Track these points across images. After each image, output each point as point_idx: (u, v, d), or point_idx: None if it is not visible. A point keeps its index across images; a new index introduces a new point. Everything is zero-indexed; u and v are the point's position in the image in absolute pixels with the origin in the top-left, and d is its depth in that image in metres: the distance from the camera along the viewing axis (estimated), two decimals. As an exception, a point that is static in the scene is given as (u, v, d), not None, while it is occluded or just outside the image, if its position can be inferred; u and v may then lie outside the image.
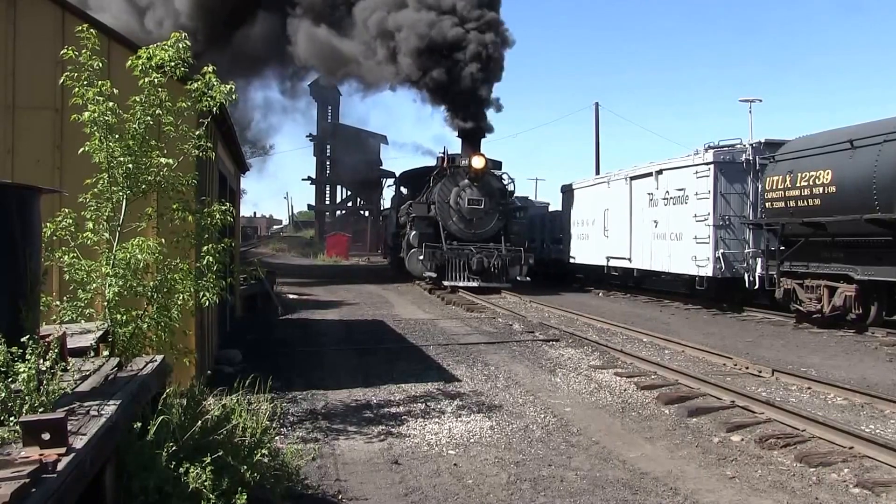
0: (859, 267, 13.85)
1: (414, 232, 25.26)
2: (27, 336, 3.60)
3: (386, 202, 59.13)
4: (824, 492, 5.63)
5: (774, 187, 15.91)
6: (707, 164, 18.79)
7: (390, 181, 48.37)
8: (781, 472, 6.09)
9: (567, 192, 29.31)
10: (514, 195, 28.23)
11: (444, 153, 27.40)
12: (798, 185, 15.09)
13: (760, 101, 20.89)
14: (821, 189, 14.47)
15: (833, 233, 14.39)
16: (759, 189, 17.38)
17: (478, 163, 25.26)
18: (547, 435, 7.15)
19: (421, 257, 24.10)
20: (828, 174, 14.30)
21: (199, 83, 6.34)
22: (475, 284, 23.65)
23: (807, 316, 15.37)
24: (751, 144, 18.91)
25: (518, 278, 24.45)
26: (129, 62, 6.16)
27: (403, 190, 34.46)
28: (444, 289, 23.59)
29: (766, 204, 16.43)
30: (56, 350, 3.76)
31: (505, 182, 27.18)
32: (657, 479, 5.89)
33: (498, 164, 27.35)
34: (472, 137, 26.49)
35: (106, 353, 5.21)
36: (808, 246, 15.20)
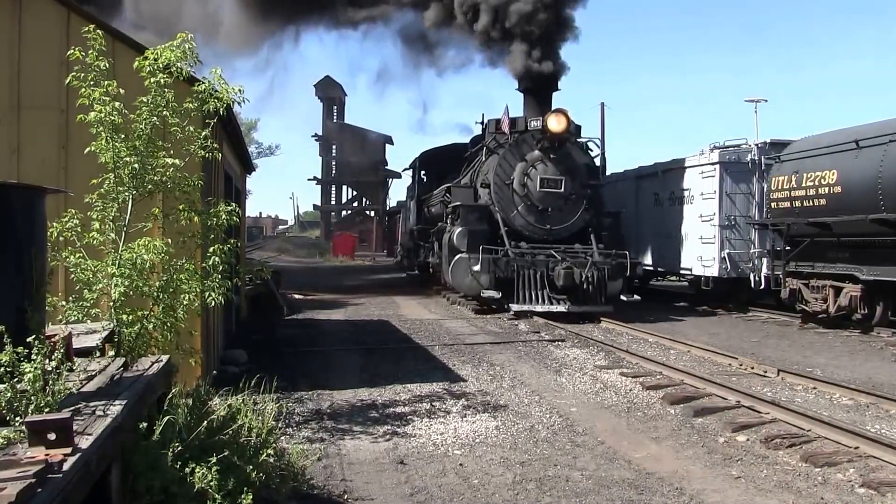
0: (865, 267, 13.80)
1: (459, 229, 17.12)
2: (33, 336, 3.62)
3: (391, 201, 59.34)
4: (830, 492, 5.61)
5: (780, 187, 15.87)
6: (712, 164, 18.76)
7: (401, 174, 43.63)
8: (787, 472, 6.07)
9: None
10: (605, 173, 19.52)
11: (481, 120, 19.88)
12: (803, 185, 15.05)
13: (766, 101, 20.77)
14: (826, 189, 14.43)
15: (838, 233, 14.35)
16: (765, 189, 17.34)
17: (556, 124, 16.94)
18: (552, 435, 7.14)
19: (476, 268, 16.06)
20: (833, 174, 14.26)
21: (206, 85, 6.36)
22: (563, 309, 15.87)
23: (812, 316, 15.32)
24: (756, 145, 18.88)
25: (623, 298, 16.62)
26: (136, 63, 6.18)
27: (425, 176, 26.20)
28: (506, 312, 16.32)
29: (772, 204, 16.39)
30: (62, 350, 3.77)
31: (592, 153, 18.75)
32: (662, 478, 5.88)
33: (577, 128, 18.61)
34: (543, 89, 18.22)
35: (111, 353, 5.22)
36: (813, 246, 15.15)
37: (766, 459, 6.41)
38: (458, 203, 17.98)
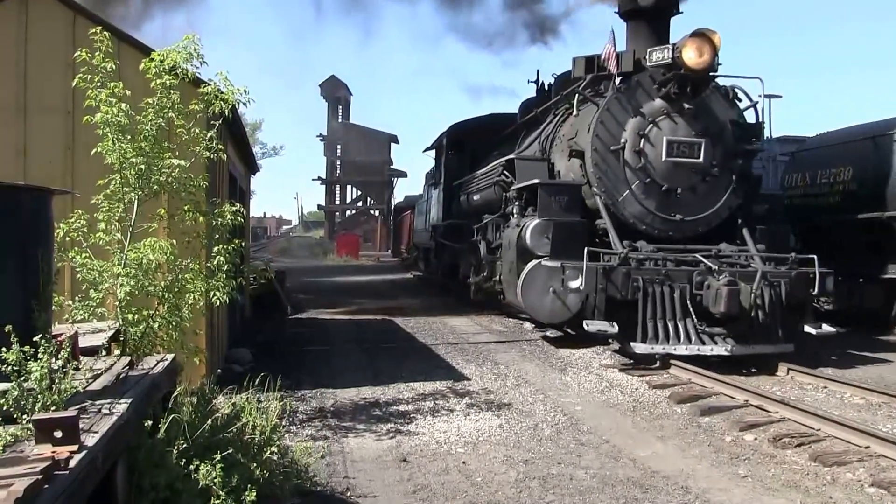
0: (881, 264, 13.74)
1: (535, 221, 11.10)
2: (40, 335, 3.64)
3: (397, 199, 59.28)
4: (839, 491, 5.59)
5: (795, 184, 15.83)
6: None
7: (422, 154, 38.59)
8: (795, 471, 6.05)
9: None
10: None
11: (535, 79, 16.05)
12: (818, 181, 15.00)
13: (780, 97, 20.19)
14: (842, 186, 14.37)
15: (854, 230, 14.28)
16: (780, 185, 17.26)
17: (697, 55, 10.56)
18: (556, 433, 7.14)
19: (575, 283, 10.18)
20: (849, 171, 14.21)
21: (212, 87, 6.40)
22: (723, 351, 9.98)
23: (826, 314, 15.24)
24: (771, 141, 18.77)
25: (809, 330, 10.65)
26: (143, 65, 6.22)
27: (455, 157, 19.81)
28: (626, 359, 10.56)
29: (787, 200, 16.30)
30: (68, 349, 3.79)
31: (741, 105, 11.73)
32: (668, 477, 5.87)
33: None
34: (658, 10, 11.78)
35: (117, 352, 5.26)
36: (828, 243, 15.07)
37: (774, 458, 6.39)
38: (532, 181, 11.74)
